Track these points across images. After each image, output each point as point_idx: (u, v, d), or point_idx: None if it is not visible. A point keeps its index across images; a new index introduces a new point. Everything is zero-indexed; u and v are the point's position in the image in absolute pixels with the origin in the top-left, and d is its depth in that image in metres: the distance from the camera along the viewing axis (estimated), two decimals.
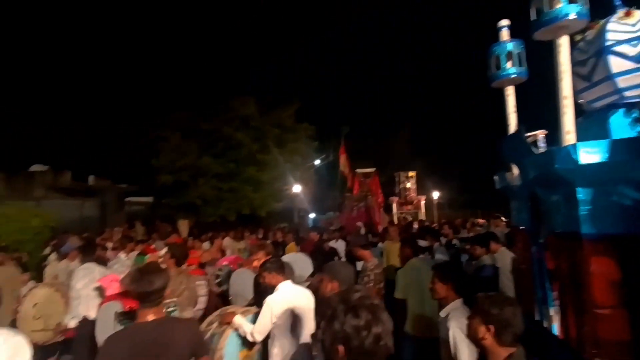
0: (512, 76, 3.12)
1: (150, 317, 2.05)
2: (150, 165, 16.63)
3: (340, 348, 1.18)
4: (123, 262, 6.06)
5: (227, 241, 9.87)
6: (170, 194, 17.00)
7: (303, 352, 2.86)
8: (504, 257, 4.72)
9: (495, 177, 3.34)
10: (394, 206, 20.69)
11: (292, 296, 3.07)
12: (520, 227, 2.92)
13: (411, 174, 21.67)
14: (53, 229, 10.52)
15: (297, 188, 21.92)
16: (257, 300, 3.80)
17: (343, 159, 17.19)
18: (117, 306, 4.12)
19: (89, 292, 4.34)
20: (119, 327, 3.91)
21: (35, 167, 18.93)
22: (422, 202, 21.56)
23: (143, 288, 2.03)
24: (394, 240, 6.83)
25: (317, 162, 23.97)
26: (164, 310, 2.27)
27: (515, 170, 2.85)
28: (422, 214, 20.71)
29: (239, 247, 9.36)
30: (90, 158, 20.95)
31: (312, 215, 28.36)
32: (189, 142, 17.27)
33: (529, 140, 2.78)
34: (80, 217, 15.21)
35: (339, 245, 9.47)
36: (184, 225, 17.13)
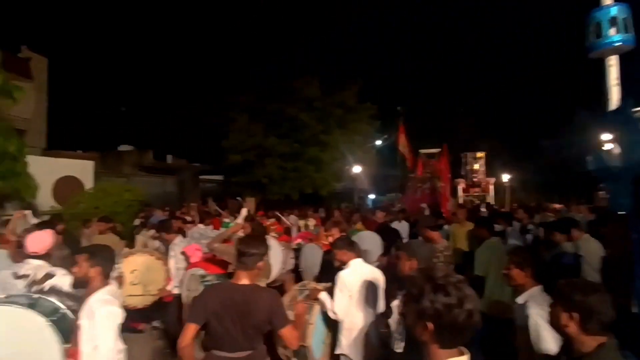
0: (616, 44, 2.84)
1: (243, 281, 2.27)
2: (221, 146, 17.71)
3: (430, 325, 1.21)
4: (203, 233, 6.67)
5: (292, 218, 10.30)
6: (239, 173, 17.98)
7: (373, 328, 2.92)
8: (589, 245, 4.39)
9: (589, 158, 3.10)
10: (460, 189, 19.86)
11: (362, 273, 3.08)
12: (619, 213, 2.71)
13: (479, 154, 20.49)
14: (141, 202, 11.77)
15: (357, 169, 21.94)
16: (323, 276, 3.97)
17: (402, 140, 16.78)
18: (201, 272, 4.60)
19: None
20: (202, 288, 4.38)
21: (123, 147, 21.08)
22: (491, 185, 20.41)
23: (246, 249, 2.26)
24: (462, 223, 6.60)
25: (379, 142, 23.69)
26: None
27: (616, 150, 2.63)
28: (490, 198, 19.64)
29: (306, 223, 9.72)
30: (168, 139, 22.76)
31: (371, 196, 28.31)
32: (255, 123, 18.02)
33: (636, 116, 2.53)
34: (162, 192, 16.76)
35: (402, 227, 9.43)
36: (250, 203, 18.07)
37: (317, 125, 17.79)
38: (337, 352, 3.03)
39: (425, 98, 37.33)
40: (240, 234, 4.67)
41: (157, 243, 6.48)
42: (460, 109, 31.30)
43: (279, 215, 9.66)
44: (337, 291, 2.99)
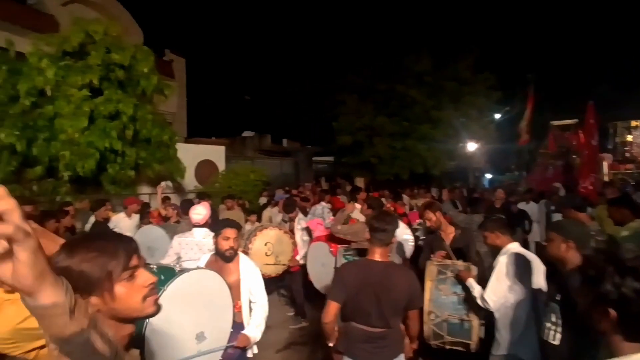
0: None
1: (377, 257, 2.34)
2: (331, 128, 18.31)
3: (612, 312, 1.10)
4: (322, 209, 7.14)
5: (405, 199, 10.21)
6: (349, 154, 18.39)
7: (534, 320, 2.61)
8: None
9: None
10: (605, 165, 16.81)
11: (523, 259, 2.70)
12: None
13: (634, 123, 16.81)
14: (264, 182, 13.12)
15: (472, 146, 20.31)
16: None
17: (530, 111, 14.87)
18: (324, 246, 4.97)
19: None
20: (327, 263, 4.75)
21: (246, 133, 23.40)
22: None
23: (380, 225, 2.33)
24: None
25: (498, 115, 21.46)
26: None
27: None
28: None
29: (417, 204, 9.55)
30: (284, 123, 24.46)
31: (488, 176, 25.95)
32: (365, 103, 18.06)
33: None
34: (280, 173, 18.24)
35: (530, 208, 8.54)
36: (360, 183, 18.45)
37: (427, 101, 16.97)
38: (499, 352, 2.73)
39: (556, 63, 32.16)
40: (357, 212, 4.90)
41: (280, 218, 7.19)
42: (600, 73, 26.11)
43: (399, 194, 9.62)
44: (494, 278, 2.73)
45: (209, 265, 2.66)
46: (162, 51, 21.68)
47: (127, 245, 1.01)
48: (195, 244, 3.35)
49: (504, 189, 8.73)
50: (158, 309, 1.04)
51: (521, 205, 8.48)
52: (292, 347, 4.73)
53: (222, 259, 2.67)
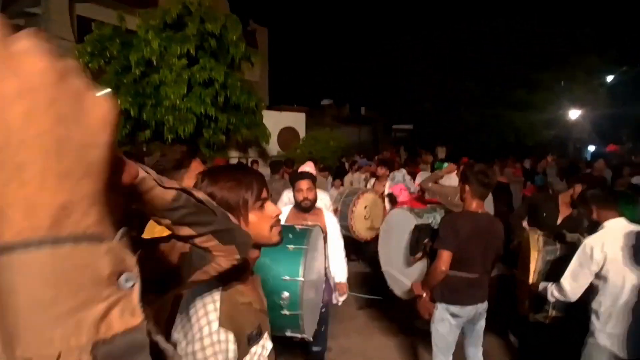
0: None
1: (480, 209, 2.47)
2: (412, 94, 17.54)
3: None
4: (403, 176, 7.00)
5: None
6: (430, 121, 17.54)
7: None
8: None
9: None
10: None
11: (626, 239, 2.30)
12: None
13: None
14: (342, 149, 13.23)
15: (575, 113, 17.89)
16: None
17: None
18: (405, 213, 4.89)
19: None
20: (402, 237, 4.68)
21: (325, 102, 23.55)
22: None
23: (483, 178, 2.45)
24: None
25: (610, 78, 18.46)
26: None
27: None
28: None
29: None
30: (362, 92, 24.03)
31: (591, 148, 22.71)
32: (449, 67, 16.87)
33: None
34: (357, 141, 18.19)
35: None
36: (442, 152, 17.58)
37: (526, 61, 15.24)
38: (592, 341, 2.43)
39: None
40: (454, 178, 4.69)
41: (363, 182, 7.21)
42: None
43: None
44: (576, 262, 2.38)
45: (290, 217, 2.85)
46: (247, 21, 22.41)
47: (259, 179, 1.10)
48: None
49: (607, 159, 7.57)
50: (281, 239, 1.13)
51: (635, 180, 7.37)
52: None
53: (301, 210, 2.83)
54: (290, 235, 2.28)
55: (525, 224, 3.51)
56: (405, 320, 3.95)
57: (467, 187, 2.51)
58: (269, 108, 16.45)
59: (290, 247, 2.19)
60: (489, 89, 15.96)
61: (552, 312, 2.82)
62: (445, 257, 2.40)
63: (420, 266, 3.27)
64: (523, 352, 3.42)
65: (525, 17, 15.39)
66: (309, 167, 3.81)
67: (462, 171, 2.66)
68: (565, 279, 2.42)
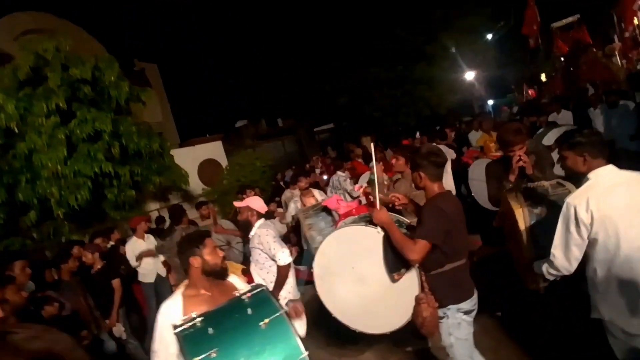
0: None
1: (438, 190, 2.36)
2: (324, 96, 17.28)
3: None
4: (339, 180, 6.41)
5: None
6: (350, 115, 17.47)
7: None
8: None
9: None
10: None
11: (619, 189, 1.87)
12: None
13: None
14: (271, 167, 12.42)
15: (470, 75, 19.14)
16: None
17: (532, 14, 13.57)
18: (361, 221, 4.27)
19: None
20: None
21: (239, 123, 22.53)
22: None
23: (438, 158, 2.35)
24: None
25: (490, 35, 20.06)
26: None
27: None
28: None
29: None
30: (274, 105, 23.45)
31: (490, 102, 24.74)
32: (353, 59, 16.90)
33: None
34: (284, 154, 17.49)
35: (564, 117, 7.70)
36: (367, 142, 17.61)
37: (417, 38, 15.77)
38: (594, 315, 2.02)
39: None
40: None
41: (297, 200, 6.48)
42: None
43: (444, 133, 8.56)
44: (561, 227, 1.95)
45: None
46: (131, 61, 20.57)
47: None
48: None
49: (509, 106, 7.79)
50: None
51: (552, 118, 7.64)
52: None
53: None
54: (249, 311, 1.71)
55: None
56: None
57: (421, 174, 2.34)
58: (181, 145, 15.10)
59: (263, 323, 1.65)
60: (393, 70, 16.26)
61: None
62: (421, 248, 2.18)
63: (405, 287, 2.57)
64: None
65: None
66: (256, 201, 3.47)
67: (411, 159, 2.47)
68: (556, 249, 1.98)
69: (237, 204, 3.57)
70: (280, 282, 3.18)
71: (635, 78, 8.36)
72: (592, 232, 1.87)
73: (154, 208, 10.40)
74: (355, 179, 6.39)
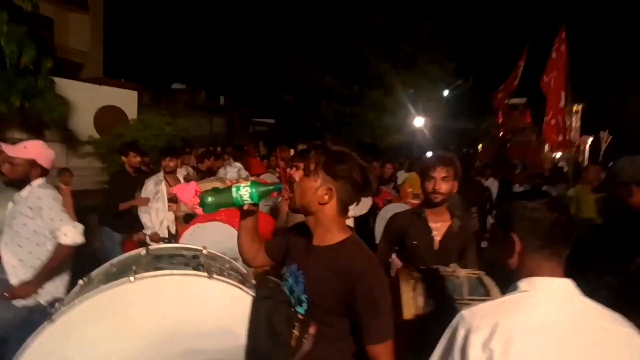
0: None
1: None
2: (275, 86, 16.16)
3: None
4: (238, 172, 5.34)
5: None
6: (292, 116, 16.49)
7: None
8: None
9: None
10: (546, 147, 16.72)
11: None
12: None
13: (576, 107, 16.82)
14: (184, 139, 10.82)
15: (419, 120, 19.39)
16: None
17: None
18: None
19: None
20: None
21: (176, 85, 20.37)
22: (588, 144, 16.96)
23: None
24: (593, 185, 4.64)
25: (446, 92, 20.63)
26: None
27: None
28: (585, 160, 16.38)
29: None
30: (222, 79, 21.64)
31: (429, 153, 25.47)
32: (314, 60, 16.04)
33: None
34: (210, 132, 15.87)
35: (491, 184, 7.56)
36: (302, 148, 16.75)
37: (382, 64, 15.40)
38: None
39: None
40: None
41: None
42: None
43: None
44: (441, 347, 1.16)
45: None
46: None
47: None
48: None
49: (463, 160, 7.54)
50: None
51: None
52: None
53: None
54: None
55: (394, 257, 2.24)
56: None
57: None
58: (91, 81, 12.77)
59: None
60: (348, 87, 15.67)
61: None
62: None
63: None
64: None
65: (381, 16, 15.61)
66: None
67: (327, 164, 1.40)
68: None
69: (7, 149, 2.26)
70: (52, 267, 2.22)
71: (557, 171, 8.56)
72: None
73: (17, 137, 8.30)
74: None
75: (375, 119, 16.17)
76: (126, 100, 11.40)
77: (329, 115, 15.70)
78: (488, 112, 16.16)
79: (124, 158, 4.20)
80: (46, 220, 2.20)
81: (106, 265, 1.37)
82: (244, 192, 1.21)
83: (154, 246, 1.35)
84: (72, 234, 2.21)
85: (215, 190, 1.24)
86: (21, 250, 2.24)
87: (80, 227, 2.27)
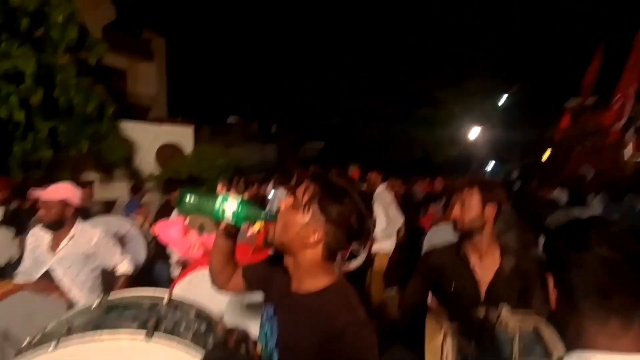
0: None
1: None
2: (326, 110, 16.42)
3: None
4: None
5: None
6: (341, 139, 16.54)
7: None
8: None
9: None
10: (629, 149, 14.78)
11: None
12: None
13: None
14: (236, 169, 11.26)
15: (474, 133, 18.33)
16: None
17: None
18: None
19: None
20: None
21: (231, 119, 21.57)
22: None
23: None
24: None
25: (504, 99, 19.38)
26: None
27: None
28: None
29: None
30: (274, 109, 22.57)
31: (489, 167, 23.76)
32: (357, 81, 16.10)
33: None
34: (261, 160, 16.38)
35: (560, 194, 6.79)
36: (353, 170, 16.59)
37: (427, 78, 15.01)
38: None
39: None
40: None
41: None
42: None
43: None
44: None
45: None
46: (139, 29, 19.72)
47: None
48: None
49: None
50: None
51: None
52: None
53: None
54: None
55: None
56: None
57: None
58: (150, 121, 13.89)
59: None
60: (395, 105, 15.43)
61: None
62: None
63: None
64: None
65: (427, 34, 15.29)
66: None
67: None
68: None
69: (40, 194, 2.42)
70: None
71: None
72: None
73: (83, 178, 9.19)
74: None
75: (425, 134, 15.63)
76: (183, 136, 12.19)
77: (377, 134, 15.48)
78: (553, 118, 14.90)
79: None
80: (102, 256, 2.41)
81: (55, 320, 1.26)
82: (228, 207, 1.03)
83: (115, 294, 1.27)
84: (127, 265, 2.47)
85: (201, 193, 1.06)
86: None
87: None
